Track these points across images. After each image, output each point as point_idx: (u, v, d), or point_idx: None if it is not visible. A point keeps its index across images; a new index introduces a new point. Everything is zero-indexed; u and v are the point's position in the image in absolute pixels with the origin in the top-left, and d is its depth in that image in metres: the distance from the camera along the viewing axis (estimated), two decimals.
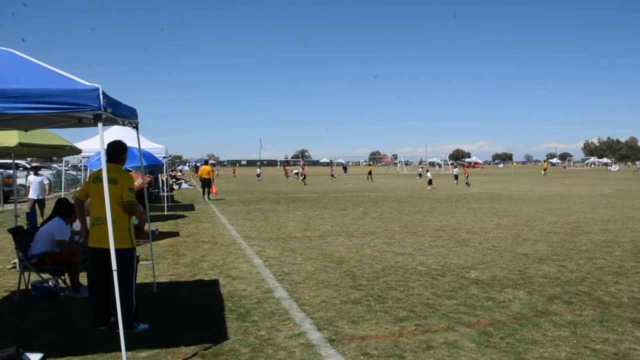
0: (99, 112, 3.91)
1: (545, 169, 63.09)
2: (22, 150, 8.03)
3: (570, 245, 10.41)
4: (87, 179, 4.40)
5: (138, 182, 12.75)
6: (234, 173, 68.66)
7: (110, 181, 5.24)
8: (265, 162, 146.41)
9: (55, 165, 32.19)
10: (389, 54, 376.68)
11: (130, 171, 10.99)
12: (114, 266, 4.22)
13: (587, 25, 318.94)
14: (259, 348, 4.91)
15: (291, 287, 7.24)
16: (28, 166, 28.68)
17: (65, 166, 24.49)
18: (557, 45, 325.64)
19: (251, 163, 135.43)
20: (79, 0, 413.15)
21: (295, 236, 12.08)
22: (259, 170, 52.49)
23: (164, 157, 18.33)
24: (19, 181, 21.49)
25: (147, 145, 16.86)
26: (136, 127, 6.31)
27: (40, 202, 15.07)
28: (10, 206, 19.85)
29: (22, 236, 6.81)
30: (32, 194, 14.76)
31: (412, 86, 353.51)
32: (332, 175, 49.49)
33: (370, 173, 45.48)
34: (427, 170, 37.60)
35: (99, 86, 3.93)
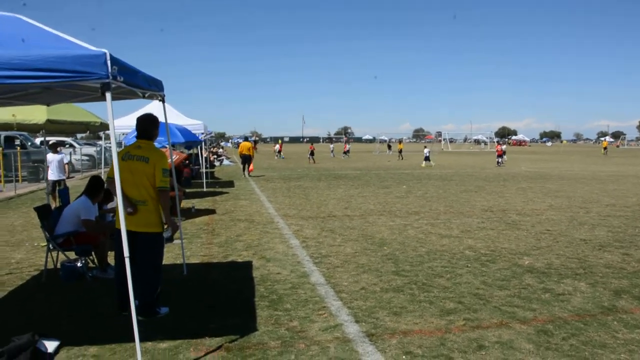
0: (107, 80, 3.45)
1: (605, 148, 60.02)
2: (52, 126, 7.79)
3: (633, 231, 9.52)
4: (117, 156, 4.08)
5: (174, 158, 12.45)
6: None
7: (141, 159, 4.87)
8: (307, 139, 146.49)
9: (100, 142, 32.45)
10: (430, 28, 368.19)
11: (165, 147, 10.69)
12: (126, 252, 3.82)
13: None
14: (289, 342, 4.48)
15: (328, 271, 6.78)
16: (75, 144, 28.84)
17: (109, 143, 24.57)
18: (608, 19, 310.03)
19: (294, 140, 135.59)
20: None
21: (336, 215, 11.60)
22: (277, 146, 47.31)
23: (203, 134, 18.06)
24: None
25: (185, 121, 16.63)
26: (162, 100, 5.91)
27: (60, 184, 12.99)
28: None
29: (48, 215, 6.56)
30: (51, 175, 12.84)
31: (456, 60, 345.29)
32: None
33: (400, 151, 44.17)
34: (425, 147, 36.06)
35: (106, 51, 3.45)
